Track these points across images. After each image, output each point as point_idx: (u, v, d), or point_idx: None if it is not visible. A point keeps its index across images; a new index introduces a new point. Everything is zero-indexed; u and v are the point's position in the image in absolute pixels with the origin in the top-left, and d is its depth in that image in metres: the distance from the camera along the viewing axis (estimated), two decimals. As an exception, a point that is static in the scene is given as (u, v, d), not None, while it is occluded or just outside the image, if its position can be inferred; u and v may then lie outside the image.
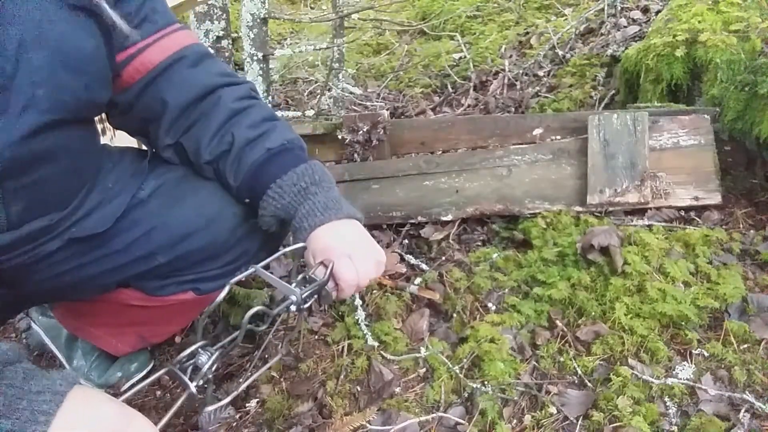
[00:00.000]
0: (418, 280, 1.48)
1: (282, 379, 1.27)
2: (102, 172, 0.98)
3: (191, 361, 0.76)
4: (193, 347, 0.76)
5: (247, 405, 1.22)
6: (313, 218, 0.91)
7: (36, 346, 1.44)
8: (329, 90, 2.69)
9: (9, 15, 0.71)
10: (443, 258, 1.59)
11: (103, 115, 1.02)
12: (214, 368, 0.77)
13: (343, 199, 0.96)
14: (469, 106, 2.55)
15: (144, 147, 1.09)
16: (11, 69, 0.71)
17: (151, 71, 0.92)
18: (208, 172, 1.00)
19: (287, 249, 0.90)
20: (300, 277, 0.86)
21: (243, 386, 0.83)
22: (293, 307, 0.81)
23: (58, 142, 0.82)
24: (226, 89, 0.98)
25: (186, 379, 0.74)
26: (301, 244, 0.90)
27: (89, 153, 0.94)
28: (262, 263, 0.85)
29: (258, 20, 2.23)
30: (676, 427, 1.05)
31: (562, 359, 1.22)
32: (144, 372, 1.34)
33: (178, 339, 1.43)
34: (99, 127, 1.00)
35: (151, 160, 1.03)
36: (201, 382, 0.74)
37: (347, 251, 0.89)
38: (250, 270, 0.83)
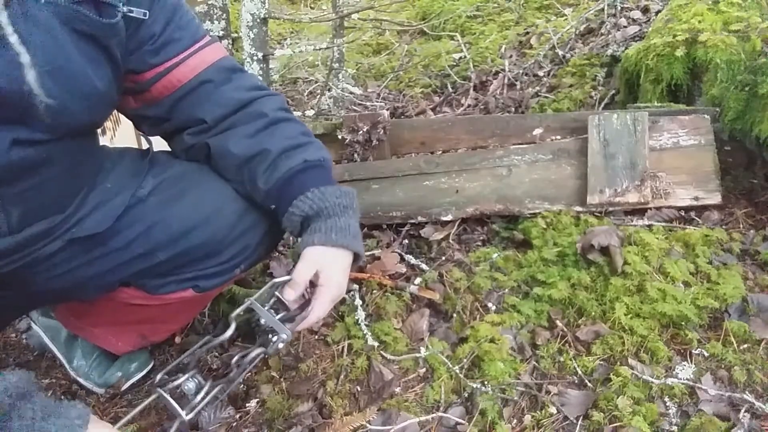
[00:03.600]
0: (418, 280, 1.48)
1: (282, 379, 1.27)
2: (101, 173, 0.98)
3: (177, 372, 0.80)
4: (182, 378, 0.80)
5: (247, 405, 1.22)
6: (343, 237, 0.96)
7: (36, 347, 1.44)
8: (329, 90, 2.69)
9: (24, 40, 0.71)
10: (443, 258, 1.59)
11: None
12: (206, 399, 0.80)
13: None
14: (469, 106, 2.54)
15: (144, 146, 1.10)
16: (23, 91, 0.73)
17: (180, 88, 0.95)
18: (234, 174, 1.01)
19: (277, 279, 0.94)
20: (272, 300, 0.92)
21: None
22: (281, 345, 0.88)
23: (56, 150, 0.83)
24: (261, 100, 1.01)
25: (176, 405, 0.75)
26: (287, 278, 0.95)
27: (88, 156, 0.95)
28: (256, 295, 0.90)
29: (258, 20, 2.23)
30: (676, 427, 1.05)
31: (562, 359, 1.22)
32: (144, 372, 1.34)
33: (178, 339, 1.43)
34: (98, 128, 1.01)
35: (151, 158, 1.04)
36: (192, 414, 0.77)
37: (336, 295, 0.96)
38: (246, 304, 0.88)
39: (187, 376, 0.80)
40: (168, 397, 0.76)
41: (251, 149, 0.98)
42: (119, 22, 0.83)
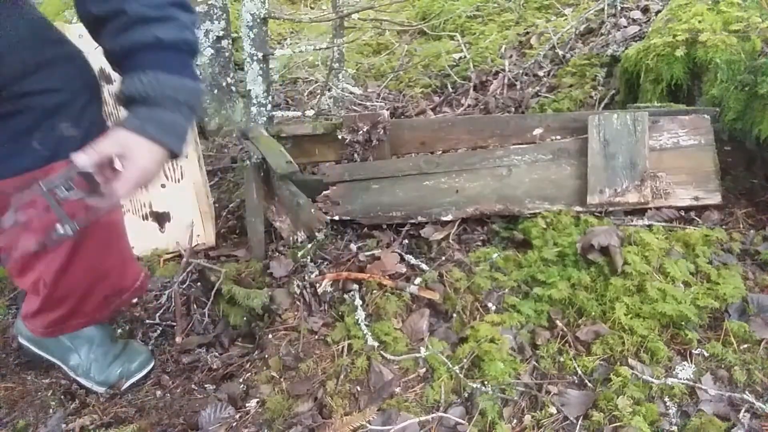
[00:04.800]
0: (418, 280, 1.48)
1: (282, 379, 1.27)
2: None
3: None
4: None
5: (247, 405, 1.22)
6: (161, 132, 0.87)
7: (33, 358, 1.40)
8: (329, 90, 2.69)
9: None
10: (443, 258, 1.59)
11: None
12: None
13: (189, 132, 0.94)
14: (469, 106, 2.54)
15: None
16: None
17: None
18: (86, 21, 0.93)
19: (76, 163, 0.83)
20: (75, 176, 0.84)
21: None
22: (57, 236, 0.84)
23: None
24: None
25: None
26: (87, 162, 0.84)
27: None
28: (51, 179, 0.82)
29: (258, 20, 2.23)
30: (676, 427, 1.05)
31: (562, 359, 1.22)
32: (145, 371, 1.33)
33: (178, 339, 1.43)
34: None
35: None
36: None
37: (139, 180, 0.87)
38: (35, 187, 0.81)
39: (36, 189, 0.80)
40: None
41: (106, 7, 0.88)
42: None
